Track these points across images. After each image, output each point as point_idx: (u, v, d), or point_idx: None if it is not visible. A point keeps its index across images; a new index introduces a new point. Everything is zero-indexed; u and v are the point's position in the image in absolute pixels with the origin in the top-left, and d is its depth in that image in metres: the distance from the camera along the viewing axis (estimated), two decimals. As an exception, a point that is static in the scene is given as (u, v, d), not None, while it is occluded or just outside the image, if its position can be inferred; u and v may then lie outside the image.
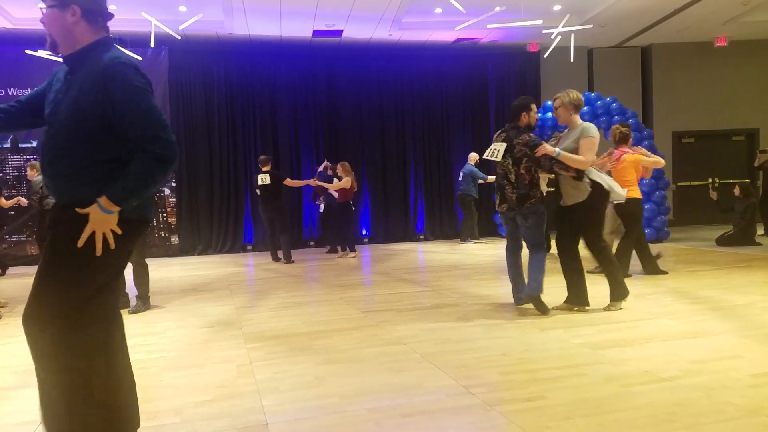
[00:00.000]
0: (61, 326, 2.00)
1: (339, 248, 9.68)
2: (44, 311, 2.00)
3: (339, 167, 9.20)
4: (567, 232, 4.61)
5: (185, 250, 10.51)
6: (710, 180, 12.38)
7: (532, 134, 4.57)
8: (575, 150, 4.41)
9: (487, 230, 11.37)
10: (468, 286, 5.93)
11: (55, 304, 2.00)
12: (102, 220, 2.00)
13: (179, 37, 9.16)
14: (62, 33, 2.10)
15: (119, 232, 2.04)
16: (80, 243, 1.99)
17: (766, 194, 9.97)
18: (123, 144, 2.06)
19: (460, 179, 10.56)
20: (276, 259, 8.81)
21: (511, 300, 4.91)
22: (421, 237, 11.66)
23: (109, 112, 2.01)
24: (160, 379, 3.28)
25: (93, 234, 2.01)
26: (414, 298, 5.43)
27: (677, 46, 12.04)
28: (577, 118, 4.60)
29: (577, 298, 4.57)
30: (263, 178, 8.46)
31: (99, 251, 2.02)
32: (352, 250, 9.29)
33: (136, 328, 4.54)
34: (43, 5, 2.14)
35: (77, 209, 2.01)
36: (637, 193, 5.91)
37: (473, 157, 10.54)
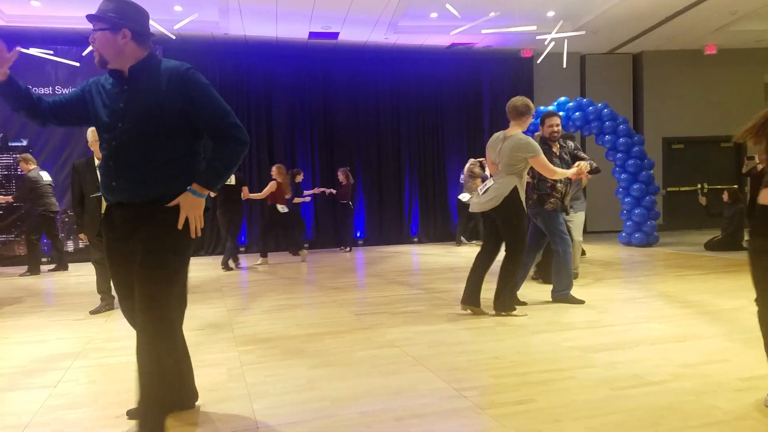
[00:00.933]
0: (171, 317, 2.33)
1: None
2: (162, 309, 2.27)
3: (274, 169, 9.09)
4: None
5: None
6: (699, 185, 12.50)
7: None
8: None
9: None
10: (461, 289, 5.93)
11: (170, 298, 2.31)
12: (194, 204, 2.33)
13: (174, 37, 9.14)
14: (114, 53, 2.32)
15: (202, 223, 2.38)
16: (180, 225, 2.31)
17: (753, 200, 10.07)
18: (196, 138, 2.39)
19: (462, 181, 10.54)
20: (226, 266, 8.41)
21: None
22: (416, 239, 11.71)
23: (189, 108, 2.31)
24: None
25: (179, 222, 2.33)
26: (407, 300, 5.45)
27: (668, 53, 12.16)
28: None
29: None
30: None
31: (193, 233, 2.35)
32: (263, 255, 9.06)
33: (124, 330, 4.52)
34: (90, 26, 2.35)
35: (167, 204, 2.31)
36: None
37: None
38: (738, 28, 10.73)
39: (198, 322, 4.78)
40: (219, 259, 9.89)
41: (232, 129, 2.32)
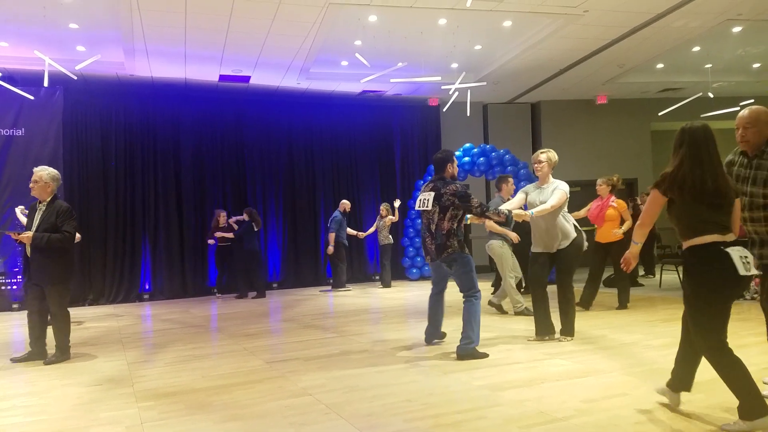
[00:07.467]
0: None
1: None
2: None
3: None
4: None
5: (74, 299, 9.69)
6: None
7: (457, 184, 4.79)
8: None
9: (395, 274, 11.45)
10: (376, 331, 5.95)
11: None
12: None
13: (76, 78, 8.74)
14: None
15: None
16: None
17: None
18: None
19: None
20: None
21: (419, 342, 4.99)
22: (331, 281, 11.61)
23: None
24: (39, 446, 3.00)
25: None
26: (322, 345, 5.36)
27: (563, 102, 13.12)
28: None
29: (567, 329, 5.07)
30: None
31: None
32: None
33: (15, 388, 4.14)
34: None
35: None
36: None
37: (344, 204, 10.61)
38: (626, 80, 11.80)
39: (95, 376, 4.44)
40: (120, 307, 9.35)
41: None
